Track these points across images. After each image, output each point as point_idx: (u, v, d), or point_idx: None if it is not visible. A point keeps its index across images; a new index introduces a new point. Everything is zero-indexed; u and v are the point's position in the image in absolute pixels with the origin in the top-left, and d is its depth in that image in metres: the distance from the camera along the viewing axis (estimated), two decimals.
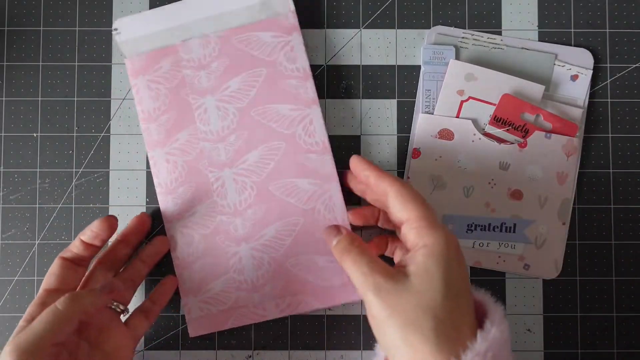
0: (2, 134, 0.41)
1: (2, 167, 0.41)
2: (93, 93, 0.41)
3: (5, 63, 0.41)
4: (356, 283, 0.32)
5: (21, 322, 0.33)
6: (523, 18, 0.42)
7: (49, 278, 0.35)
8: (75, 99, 0.41)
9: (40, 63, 0.41)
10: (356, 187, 0.39)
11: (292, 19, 0.40)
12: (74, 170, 0.41)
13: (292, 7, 0.40)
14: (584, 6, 0.42)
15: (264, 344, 0.40)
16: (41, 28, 0.42)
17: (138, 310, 0.37)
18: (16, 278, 0.40)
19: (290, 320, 0.41)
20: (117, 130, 0.41)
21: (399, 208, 0.33)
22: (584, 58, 0.41)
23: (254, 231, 0.39)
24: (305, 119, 0.39)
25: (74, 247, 0.36)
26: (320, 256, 0.39)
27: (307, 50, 0.40)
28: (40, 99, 0.41)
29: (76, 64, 0.41)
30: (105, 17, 0.42)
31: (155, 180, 0.39)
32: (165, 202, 0.39)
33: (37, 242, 0.41)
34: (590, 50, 0.41)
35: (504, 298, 0.41)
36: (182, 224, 0.39)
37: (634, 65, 0.41)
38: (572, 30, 0.42)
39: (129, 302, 0.37)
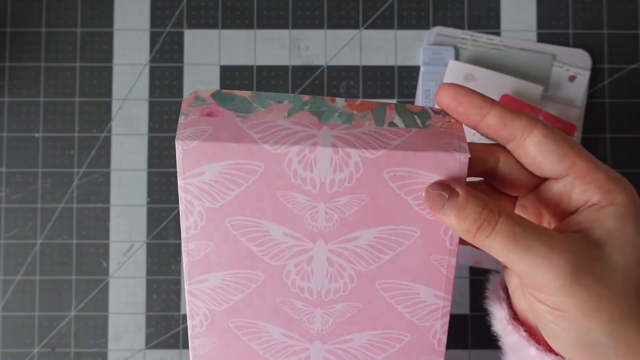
0: (5, 134, 0.41)
1: (4, 167, 0.41)
2: (94, 94, 0.42)
3: (7, 64, 0.42)
4: (523, 270, 0.22)
5: None
6: (522, 19, 0.42)
7: None
8: (77, 99, 0.42)
9: (42, 64, 0.42)
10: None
11: (463, 168, 0.25)
12: (75, 170, 0.41)
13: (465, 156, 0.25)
14: (582, 7, 0.42)
15: None
16: (43, 29, 0.42)
17: None
18: (18, 277, 0.41)
19: None
20: (118, 130, 0.41)
21: (553, 157, 0.24)
22: (582, 59, 0.41)
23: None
24: (448, 317, 0.28)
25: None
26: None
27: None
28: (42, 99, 0.41)
29: (77, 64, 0.42)
30: (107, 18, 0.42)
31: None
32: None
33: (38, 241, 0.41)
34: (588, 51, 0.41)
35: None
36: None
37: (632, 66, 0.42)
38: (570, 31, 0.42)
39: None
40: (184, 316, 0.40)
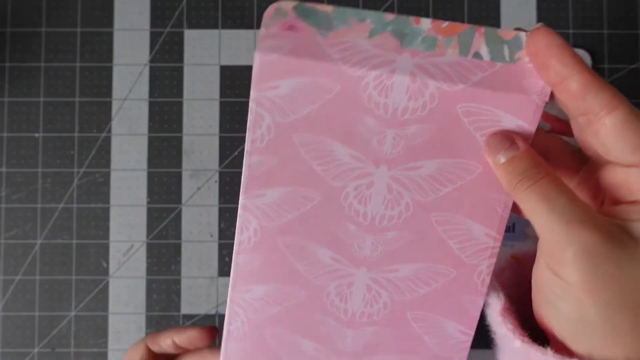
0: (5, 135, 0.41)
1: (4, 167, 0.41)
2: (94, 93, 0.42)
3: (7, 64, 0.42)
4: (544, 231, 0.22)
5: None
6: (522, 19, 0.42)
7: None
8: (77, 99, 0.42)
9: (42, 64, 0.42)
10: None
11: (537, 113, 0.25)
12: (75, 170, 0.41)
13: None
14: (582, 7, 0.42)
15: None
16: (43, 29, 0.42)
17: None
18: (18, 277, 0.41)
19: None
20: (118, 130, 0.41)
21: (626, 146, 0.22)
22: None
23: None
24: (495, 257, 0.27)
25: (165, 344, 0.33)
26: (455, 323, 0.28)
27: None
28: (42, 99, 0.41)
29: (77, 64, 0.42)
30: (107, 18, 0.42)
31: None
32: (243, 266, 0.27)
33: (38, 241, 0.41)
34: (588, 51, 0.41)
35: None
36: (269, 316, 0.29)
37: (632, 66, 0.42)
38: (570, 31, 0.42)
39: None
40: (184, 316, 0.41)
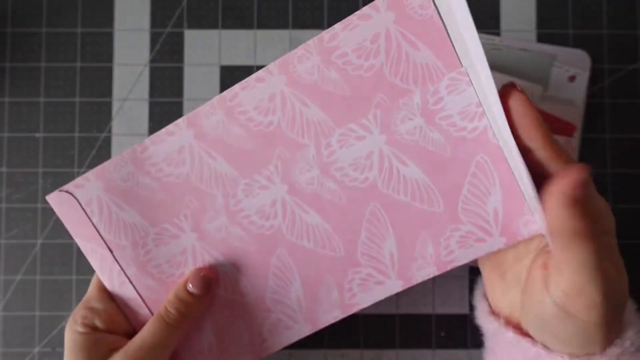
0: (5, 135, 0.41)
1: (4, 167, 0.41)
2: (94, 94, 0.42)
3: (7, 64, 0.42)
4: (577, 273, 0.24)
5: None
6: (521, 19, 0.42)
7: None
8: (77, 99, 0.42)
9: (43, 64, 0.42)
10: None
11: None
12: (75, 170, 0.41)
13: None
14: (582, 7, 0.42)
15: None
16: (43, 29, 0.42)
17: None
18: (18, 277, 0.41)
19: None
20: (118, 130, 0.41)
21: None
22: (581, 59, 0.41)
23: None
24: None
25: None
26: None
27: None
28: (42, 99, 0.42)
29: (78, 65, 0.42)
30: (107, 19, 0.42)
31: None
32: None
33: (39, 241, 0.41)
34: (588, 52, 0.41)
35: None
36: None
37: (632, 66, 0.42)
38: (570, 31, 0.42)
39: None
40: None
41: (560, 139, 0.40)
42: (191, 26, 0.42)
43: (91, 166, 0.41)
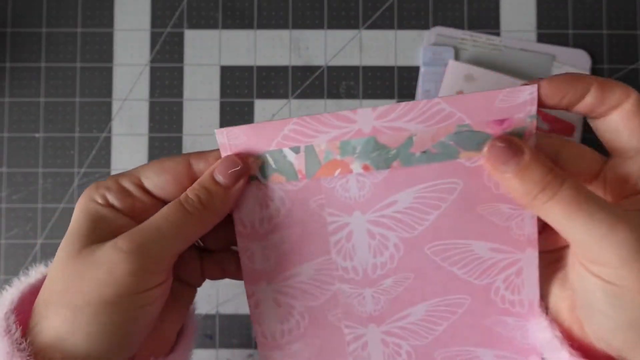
0: (5, 135, 0.41)
1: (4, 167, 0.41)
2: (94, 94, 0.42)
3: (8, 64, 0.42)
4: (581, 238, 0.21)
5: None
6: (521, 19, 0.42)
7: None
8: (77, 99, 0.42)
9: (43, 64, 0.42)
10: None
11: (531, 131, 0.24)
12: (75, 170, 0.41)
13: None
14: (582, 7, 0.42)
15: None
16: (43, 29, 0.42)
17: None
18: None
19: None
20: (118, 130, 0.41)
21: (634, 132, 0.22)
22: (581, 59, 0.41)
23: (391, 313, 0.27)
24: (511, 268, 0.25)
25: (205, 166, 0.26)
26: (488, 349, 0.26)
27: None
28: (42, 99, 0.41)
29: (78, 65, 0.42)
30: (107, 19, 0.42)
31: (257, 328, 0.27)
32: None
33: (39, 241, 0.41)
34: (588, 52, 0.41)
35: None
36: None
37: (631, 66, 0.42)
38: (570, 31, 0.42)
39: None
40: None
41: None
42: (191, 26, 0.42)
43: (91, 166, 0.41)
